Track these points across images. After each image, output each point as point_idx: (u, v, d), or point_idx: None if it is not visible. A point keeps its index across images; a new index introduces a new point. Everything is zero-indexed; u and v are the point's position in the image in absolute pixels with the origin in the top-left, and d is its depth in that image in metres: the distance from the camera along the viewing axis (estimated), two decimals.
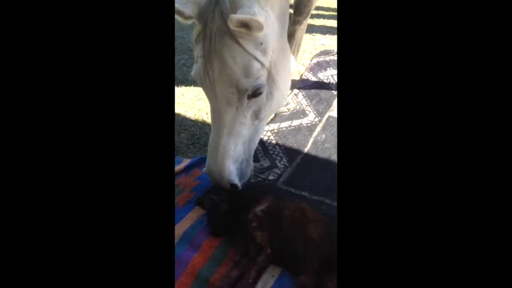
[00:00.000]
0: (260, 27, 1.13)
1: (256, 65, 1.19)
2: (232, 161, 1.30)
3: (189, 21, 1.23)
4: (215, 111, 1.29)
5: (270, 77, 1.27)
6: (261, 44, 1.20)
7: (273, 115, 1.99)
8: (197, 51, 1.24)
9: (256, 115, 1.31)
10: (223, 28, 1.15)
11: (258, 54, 1.20)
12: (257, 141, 1.41)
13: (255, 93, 1.24)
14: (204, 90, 1.32)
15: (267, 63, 1.23)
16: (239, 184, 1.34)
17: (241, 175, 1.36)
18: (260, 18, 1.13)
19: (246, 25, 1.12)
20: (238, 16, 1.09)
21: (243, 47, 1.16)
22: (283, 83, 1.36)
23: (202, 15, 1.19)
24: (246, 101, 1.24)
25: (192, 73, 1.29)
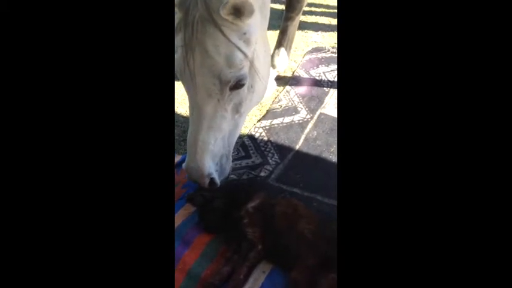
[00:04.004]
0: (252, 12, 1.11)
1: (240, 55, 1.16)
2: (212, 156, 1.25)
3: None
4: (194, 104, 1.23)
5: (252, 68, 1.23)
6: (245, 34, 1.16)
7: (264, 112, 1.99)
8: (177, 41, 1.19)
9: (237, 108, 1.27)
10: (205, 16, 1.11)
11: (242, 45, 1.16)
12: (237, 136, 1.37)
13: (238, 85, 1.20)
14: (182, 82, 1.26)
15: (250, 54, 1.20)
16: (218, 180, 1.30)
17: (220, 171, 1.31)
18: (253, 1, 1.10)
19: (238, 10, 1.09)
20: (234, 0, 1.06)
21: (226, 36, 1.13)
22: (264, 76, 1.33)
23: (184, 3, 1.15)
24: (227, 92, 1.20)
25: None
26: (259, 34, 1.24)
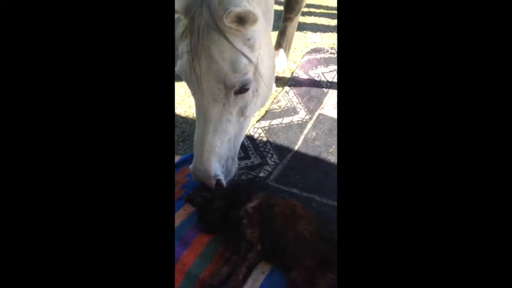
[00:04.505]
0: (255, 20, 1.12)
1: (244, 60, 1.18)
2: (218, 158, 1.29)
3: (175, 15, 1.20)
4: (200, 108, 1.27)
5: (257, 73, 1.26)
6: (249, 39, 1.19)
7: (263, 112, 1.99)
8: (182, 47, 1.22)
9: (242, 112, 1.29)
10: (210, 23, 1.13)
11: (246, 50, 1.19)
12: (242, 138, 1.40)
13: (242, 89, 1.23)
14: (189, 86, 1.30)
15: (254, 59, 1.22)
16: (225, 181, 1.33)
17: (226, 172, 1.35)
18: (256, 11, 1.12)
19: (241, 19, 1.11)
20: (237, 9, 1.08)
21: (230, 43, 1.15)
22: (269, 80, 1.36)
23: (189, 10, 1.17)
24: (232, 97, 1.23)
25: (176, 68, 1.26)
26: (263, 39, 1.25)
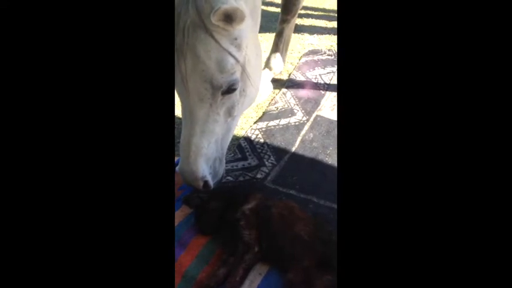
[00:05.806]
0: (243, 18, 1.11)
1: (231, 60, 1.17)
2: (205, 159, 1.27)
3: None
4: (186, 109, 1.25)
5: (244, 73, 1.24)
6: (236, 39, 1.17)
7: (260, 114, 1.99)
8: None
9: (230, 112, 1.28)
10: (197, 21, 1.12)
11: (233, 50, 1.17)
12: (229, 139, 1.38)
13: (230, 90, 1.21)
14: (175, 86, 1.27)
15: (241, 59, 1.21)
16: (212, 183, 1.31)
17: (214, 174, 1.33)
18: (243, 9, 1.11)
19: (229, 17, 1.09)
20: (225, 6, 1.06)
21: (217, 42, 1.13)
22: (256, 80, 1.34)
23: (175, 8, 1.15)
24: (219, 97, 1.21)
25: None
26: (250, 38, 1.24)
